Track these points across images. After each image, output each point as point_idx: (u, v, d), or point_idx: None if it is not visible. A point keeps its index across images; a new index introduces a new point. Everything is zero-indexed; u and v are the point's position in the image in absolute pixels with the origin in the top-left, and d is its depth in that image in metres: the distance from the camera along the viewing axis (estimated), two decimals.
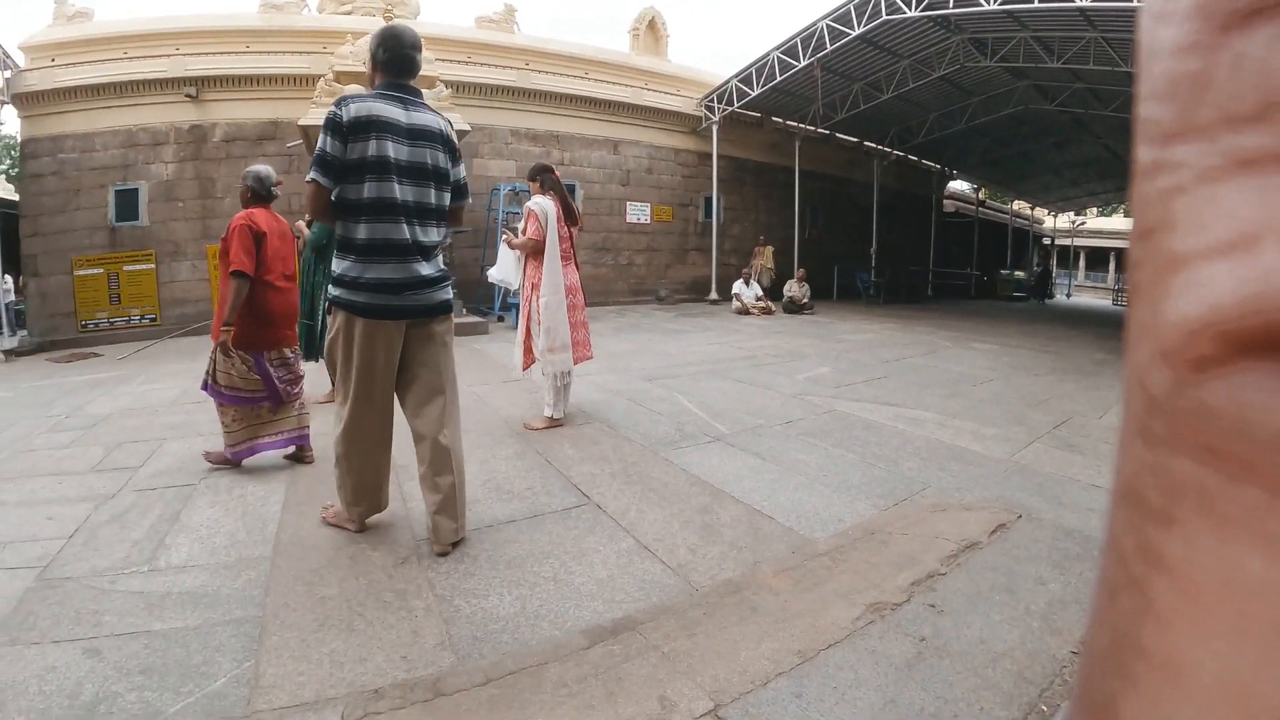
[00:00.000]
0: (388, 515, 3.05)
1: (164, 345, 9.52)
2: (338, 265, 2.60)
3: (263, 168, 3.87)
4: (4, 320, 10.61)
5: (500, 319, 11.02)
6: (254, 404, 3.72)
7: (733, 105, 14.41)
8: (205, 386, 3.73)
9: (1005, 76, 13.87)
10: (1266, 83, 0.12)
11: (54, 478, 3.74)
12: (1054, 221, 31.57)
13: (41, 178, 11.23)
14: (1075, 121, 16.09)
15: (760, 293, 12.99)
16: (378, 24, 10.44)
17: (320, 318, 5.00)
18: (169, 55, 11.41)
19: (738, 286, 13.00)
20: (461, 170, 2.80)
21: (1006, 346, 8.83)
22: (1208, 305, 0.13)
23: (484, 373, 6.65)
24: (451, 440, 2.74)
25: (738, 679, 1.84)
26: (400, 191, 2.53)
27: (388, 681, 1.90)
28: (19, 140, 11.84)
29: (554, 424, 4.53)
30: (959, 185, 25.87)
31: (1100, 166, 21.18)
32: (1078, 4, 8.90)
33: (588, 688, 1.81)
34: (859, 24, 11.05)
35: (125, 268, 11.14)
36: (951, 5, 10.03)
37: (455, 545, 2.76)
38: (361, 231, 2.53)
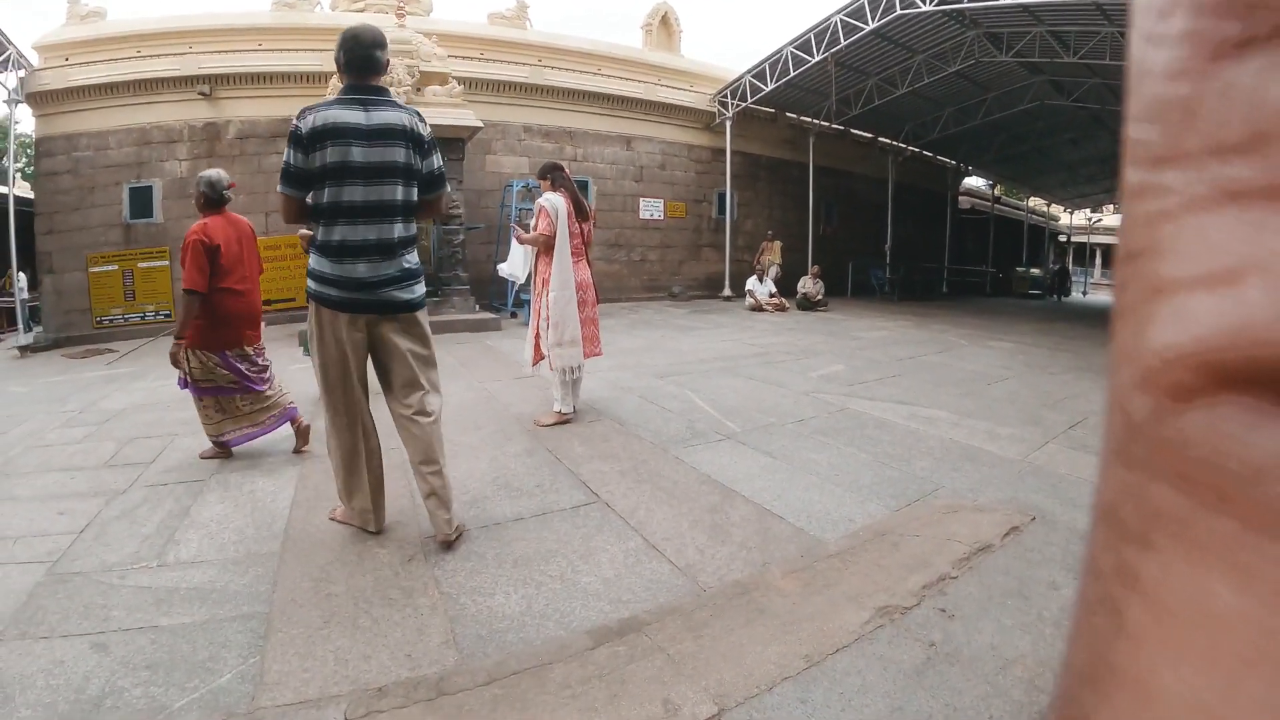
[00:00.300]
0: (395, 513, 3.05)
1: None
2: (311, 261, 2.69)
3: (214, 172, 3.93)
4: (19, 317, 10.74)
5: (513, 315, 11.03)
6: (229, 394, 3.84)
7: (746, 101, 14.33)
8: (183, 384, 3.87)
9: (1021, 72, 13.71)
10: (1256, 114, 0.12)
11: (66, 473, 3.77)
12: (1070, 218, 31.23)
13: (56, 176, 11.35)
14: (1092, 117, 15.88)
15: (774, 289, 12.92)
16: (390, 21, 10.47)
17: None
18: (182, 54, 11.51)
19: (751, 283, 12.93)
20: (434, 161, 2.79)
21: (1022, 345, 8.73)
22: (1190, 336, 0.13)
23: (495, 369, 6.65)
24: (428, 430, 2.76)
25: (743, 683, 1.82)
26: (359, 194, 2.59)
27: (391, 680, 1.90)
28: (34, 139, 11.96)
29: (563, 419, 4.54)
30: (974, 181, 25.64)
31: (1117, 163, 20.68)
32: None
33: (591, 689, 1.79)
34: (873, 19, 10.94)
35: (140, 264, 11.24)
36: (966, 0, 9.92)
37: (458, 537, 2.78)
38: (323, 233, 2.63)
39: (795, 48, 12.48)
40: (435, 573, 2.53)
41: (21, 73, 10.87)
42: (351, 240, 2.61)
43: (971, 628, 2.09)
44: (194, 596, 2.39)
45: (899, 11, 10.54)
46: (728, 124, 14.85)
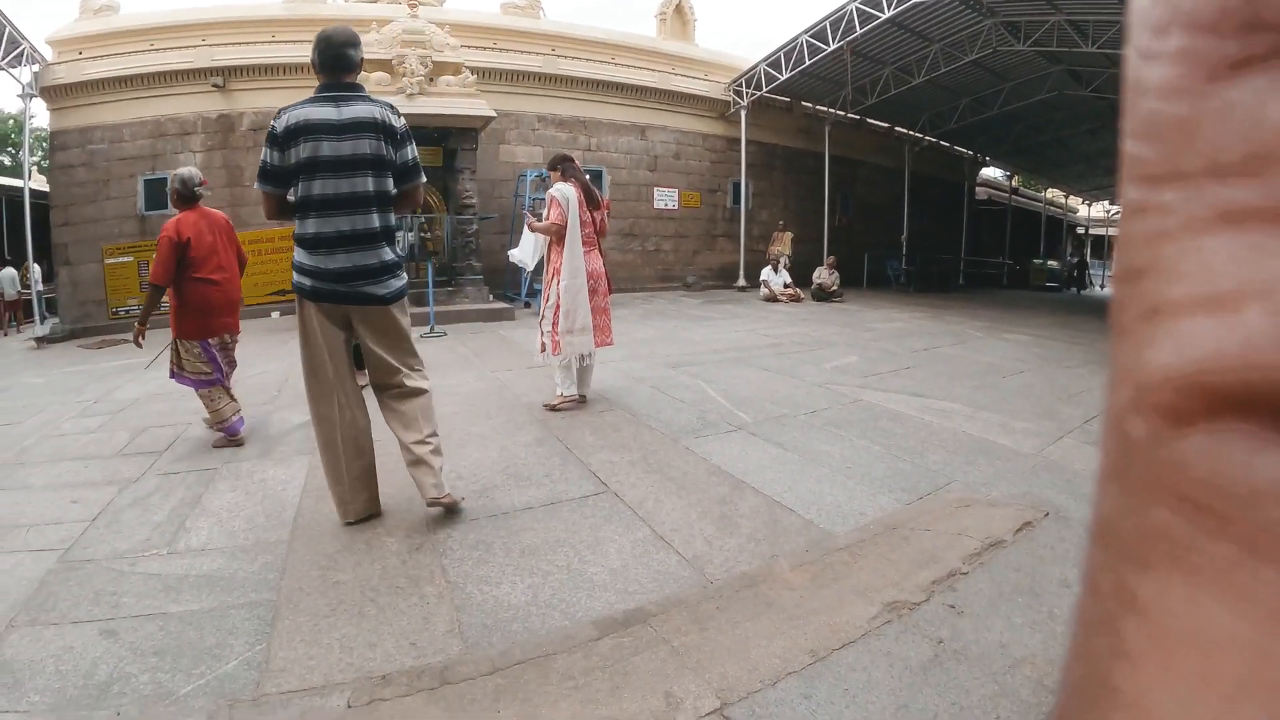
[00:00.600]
0: (404, 502, 3.06)
1: None
2: (295, 254, 2.78)
3: (186, 170, 4.12)
4: (36, 308, 10.87)
5: (526, 305, 11.04)
6: (213, 385, 4.02)
7: (761, 90, 14.19)
8: (173, 375, 4.08)
9: (1039, 61, 13.47)
10: (1254, 135, 0.12)
11: (80, 461, 3.81)
12: (1088, 210, 30.78)
13: (71, 168, 11.47)
14: (1111, 108, 15.55)
15: (789, 279, 12.83)
16: (402, 11, 10.46)
17: None
18: (195, 46, 11.56)
19: (766, 273, 12.86)
20: (408, 152, 2.85)
21: (1038, 338, 8.62)
22: (1188, 359, 0.13)
23: (508, 359, 6.66)
24: (412, 406, 2.86)
25: (747, 677, 1.80)
26: (329, 186, 2.68)
27: (396, 668, 1.90)
28: (48, 132, 12.08)
29: (567, 400, 4.61)
30: (992, 172, 25.30)
31: None
32: None
33: (594, 681, 1.78)
34: (889, 7, 10.77)
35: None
36: None
37: (452, 505, 2.89)
38: (300, 226, 2.73)
39: (810, 36, 12.34)
40: (443, 561, 2.53)
41: (35, 67, 10.95)
42: (325, 232, 2.69)
43: (981, 625, 2.06)
44: (203, 584, 2.41)
45: None
46: (742, 113, 14.72)
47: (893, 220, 17.78)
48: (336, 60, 2.74)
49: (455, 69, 10.51)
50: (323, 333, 2.76)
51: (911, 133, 18.08)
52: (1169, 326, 0.13)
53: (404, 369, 2.86)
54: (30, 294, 11.69)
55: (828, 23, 11.87)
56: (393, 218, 2.86)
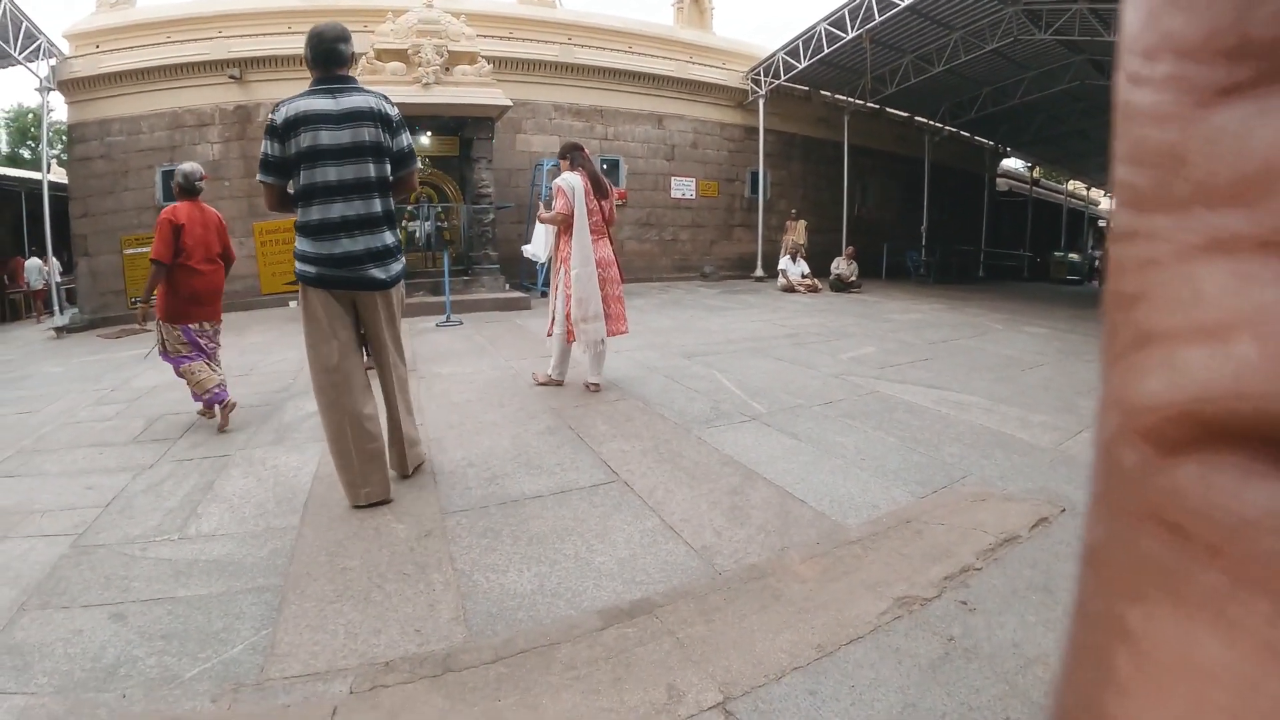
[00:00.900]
0: (416, 488, 3.06)
1: None
2: (296, 243, 2.87)
3: (189, 166, 4.36)
4: (54, 299, 11.03)
5: (543, 294, 11.01)
6: (194, 361, 4.23)
7: (779, 78, 14.03)
8: (162, 355, 4.31)
9: (1060, 50, 13.17)
10: (1244, 163, 0.12)
11: (96, 449, 3.85)
12: (1110, 203, 30.24)
13: (90, 160, 11.60)
14: None
15: (807, 269, 12.72)
16: (418, 1, 10.43)
17: None
18: (212, 38, 11.63)
19: (784, 263, 12.75)
20: (403, 140, 2.96)
21: (1058, 331, 8.48)
22: (1180, 389, 0.13)
23: (522, 347, 6.66)
24: (388, 392, 3.07)
25: (751, 671, 1.77)
26: (332, 173, 2.77)
27: (399, 654, 1.89)
28: (66, 125, 12.22)
29: (551, 381, 4.85)
30: (1012, 163, 24.94)
31: None
32: None
33: (596, 671, 1.76)
34: None
35: None
36: None
37: (411, 472, 3.17)
38: (303, 214, 2.81)
39: (829, 24, 12.17)
40: (451, 549, 2.52)
41: (53, 61, 11.05)
42: (330, 218, 2.78)
43: (993, 622, 2.01)
44: (212, 569, 2.42)
45: None
46: (760, 102, 14.58)
47: (912, 211, 17.57)
48: (329, 55, 2.85)
49: (471, 58, 10.48)
50: (328, 318, 2.82)
51: (931, 123, 17.81)
52: (1160, 355, 0.13)
53: (391, 349, 3.01)
54: (46, 287, 11.87)
55: (846, 10, 11.69)
56: (392, 203, 2.97)
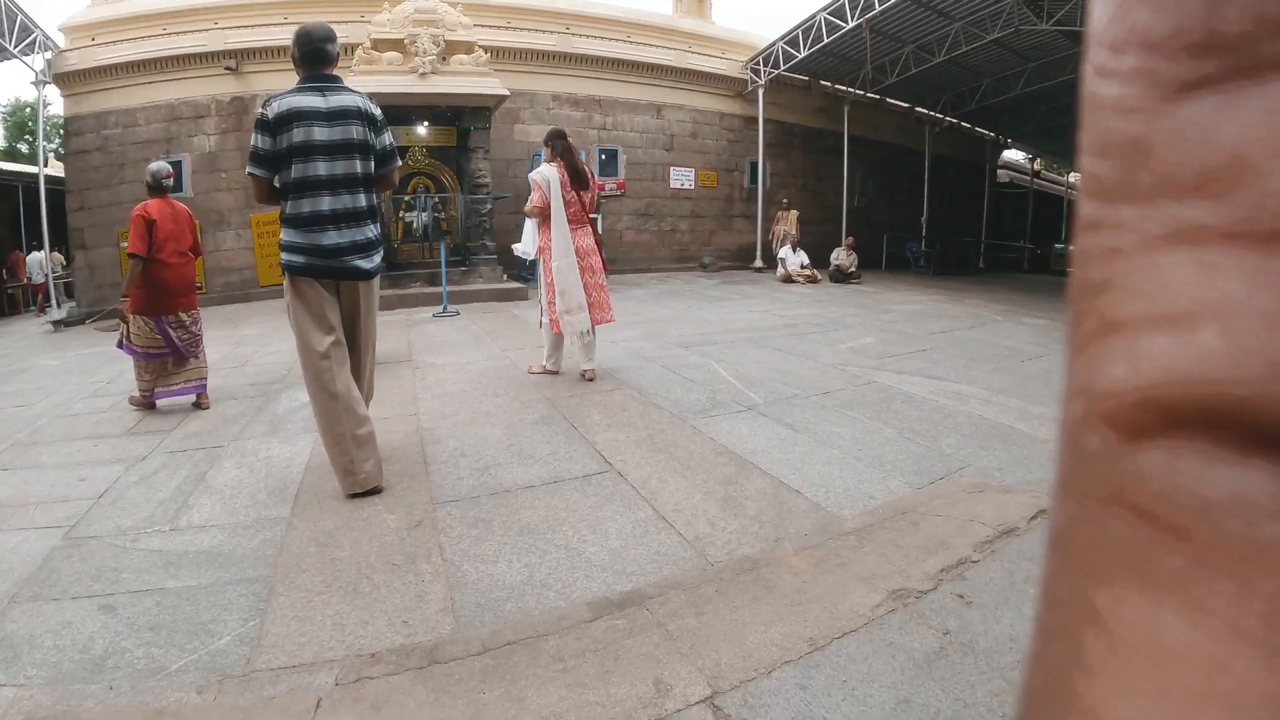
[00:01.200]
0: (407, 478, 3.04)
1: (207, 312, 9.75)
2: (282, 235, 2.93)
3: (156, 165, 4.62)
4: (52, 292, 11.01)
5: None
6: (161, 359, 4.38)
7: (779, 68, 13.92)
8: (120, 345, 4.48)
9: (1062, 41, 13.05)
10: (1209, 155, 0.13)
11: (90, 441, 3.84)
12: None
13: (86, 154, 11.54)
14: None
15: (806, 260, 12.67)
16: None
17: None
18: (208, 29, 11.55)
19: (784, 253, 12.69)
20: (386, 139, 3.06)
21: (1058, 322, 8.43)
22: (1144, 375, 0.13)
23: (518, 338, 6.64)
24: (358, 379, 3.08)
25: (741, 664, 1.75)
26: (321, 168, 2.85)
27: (386, 646, 1.88)
28: (63, 118, 12.16)
29: (546, 371, 4.94)
30: (1014, 155, 24.77)
31: None
32: None
33: (583, 664, 1.75)
34: None
35: None
36: None
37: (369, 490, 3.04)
38: (292, 206, 2.87)
39: (829, 13, 12.06)
40: (441, 539, 2.51)
41: (49, 54, 10.96)
42: (320, 211, 2.86)
43: (990, 616, 1.99)
44: (203, 560, 2.40)
45: None
46: (760, 92, 14.47)
47: (912, 202, 17.47)
48: (317, 55, 2.92)
49: (468, 48, 10.40)
50: (315, 305, 2.87)
51: (932, 113, 17.69)
52: (1125, 342, 0.13)
53: (361, 347, 3.10)
54: (45, 280, 11.87)
55: (846, 0, 11.61)
56: (375, 198, 3.08)
